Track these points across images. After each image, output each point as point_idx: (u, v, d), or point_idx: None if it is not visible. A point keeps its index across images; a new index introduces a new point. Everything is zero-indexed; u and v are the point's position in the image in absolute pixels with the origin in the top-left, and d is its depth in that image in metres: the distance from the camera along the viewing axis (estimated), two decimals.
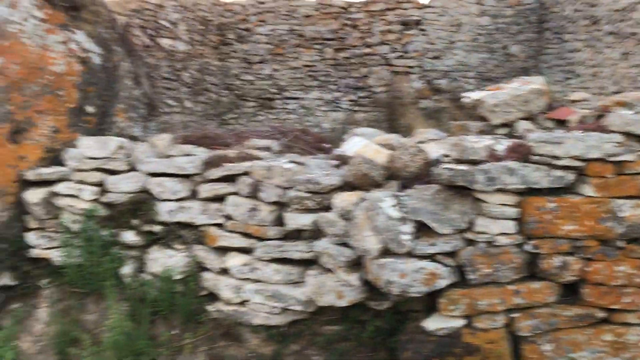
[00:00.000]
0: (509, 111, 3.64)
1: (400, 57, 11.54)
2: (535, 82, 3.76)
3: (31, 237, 4.58)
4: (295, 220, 3.78)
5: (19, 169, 4.57)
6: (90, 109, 5.05)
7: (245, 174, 4.10)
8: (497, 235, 3.21)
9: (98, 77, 5.14)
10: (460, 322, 3.32)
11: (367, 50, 11.65)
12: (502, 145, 3.29)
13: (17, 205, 4.60)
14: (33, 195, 4.51)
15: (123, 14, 8.18)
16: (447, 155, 3.75)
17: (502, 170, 3.11)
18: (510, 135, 3.60)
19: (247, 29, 12.14)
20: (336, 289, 3.57)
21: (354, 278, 3.51)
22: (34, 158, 4.65)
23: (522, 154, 3.22)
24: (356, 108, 11.86)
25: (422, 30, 11.48)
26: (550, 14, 11.19)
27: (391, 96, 11.05)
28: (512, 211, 3.19)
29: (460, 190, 3.28)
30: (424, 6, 11.48)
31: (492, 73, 11.49)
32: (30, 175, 4.58)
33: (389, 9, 11.54)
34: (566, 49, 10.59)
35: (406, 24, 11.52)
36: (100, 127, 5.17)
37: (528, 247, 3.23)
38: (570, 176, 3.17)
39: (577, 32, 10.31)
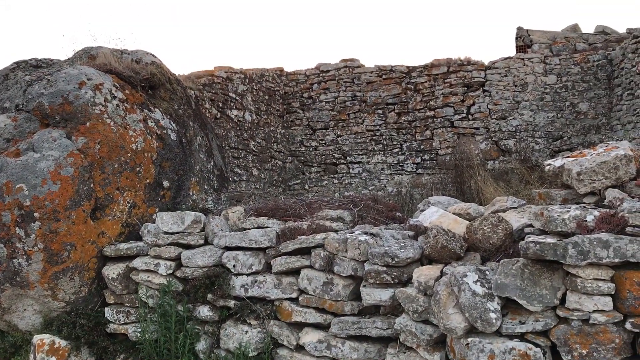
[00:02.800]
0: (595, 179, 3.47)
1: (465, 118, 11.46)
2: (622, 147, 3.58)
3: (109, 313, 4.63)
4: (372, 295, 3.66)
5: (98, 244, 4.67)
6: (166, 183, 5.18)
7: (319, 246, 4.05)
8: (592, 312, 2.98)
9: (174, 152, 5.30)
10: None
11: (430, 112, 11.65)
12: (592, 215, 3.12)
13: (96, 280, 4.70)
14: (111, 271, 4.59)
15: (194, 88, 8.52)
16: (530, 226, 3.59)
17: (595, 243, 2.92)
18: (598, 205, 3.42)
19: (310, 97, 12.42)
20: None
21: (437, 358, 3.34)
22: (112, 234, 4.75)
23: (614, 224, 3.03)
24: (420, 170, 11.77)
25: (486, 91, 11.42)
26: (620, 70, 10.90)
27: (457, 158, 10.90)
28: (608, 286, 2.97)
29: (548, 264, 3.11)
30: (487, 67, 11.45)
31: (561, 131, 11.20)
32: (109, 250, 4.67)
33: (451, 72, 11.58)
34: (639, 104, 10.21)
35: (469, 86, 11.51)
36: (175, 200, 5.28)
37: (628, 326, 2.98)
38: None
39: None
